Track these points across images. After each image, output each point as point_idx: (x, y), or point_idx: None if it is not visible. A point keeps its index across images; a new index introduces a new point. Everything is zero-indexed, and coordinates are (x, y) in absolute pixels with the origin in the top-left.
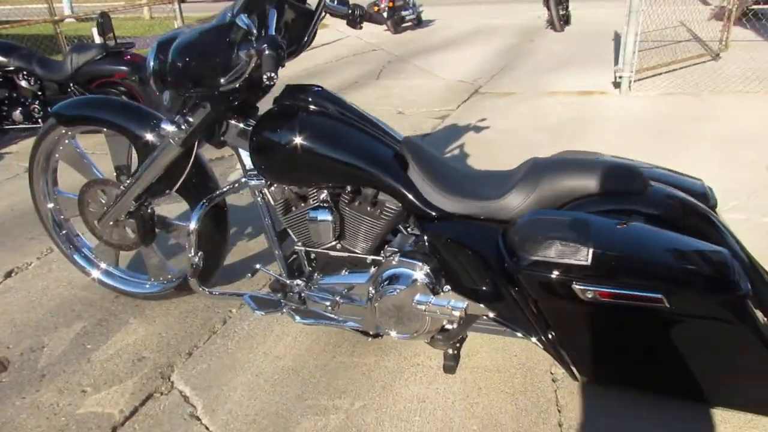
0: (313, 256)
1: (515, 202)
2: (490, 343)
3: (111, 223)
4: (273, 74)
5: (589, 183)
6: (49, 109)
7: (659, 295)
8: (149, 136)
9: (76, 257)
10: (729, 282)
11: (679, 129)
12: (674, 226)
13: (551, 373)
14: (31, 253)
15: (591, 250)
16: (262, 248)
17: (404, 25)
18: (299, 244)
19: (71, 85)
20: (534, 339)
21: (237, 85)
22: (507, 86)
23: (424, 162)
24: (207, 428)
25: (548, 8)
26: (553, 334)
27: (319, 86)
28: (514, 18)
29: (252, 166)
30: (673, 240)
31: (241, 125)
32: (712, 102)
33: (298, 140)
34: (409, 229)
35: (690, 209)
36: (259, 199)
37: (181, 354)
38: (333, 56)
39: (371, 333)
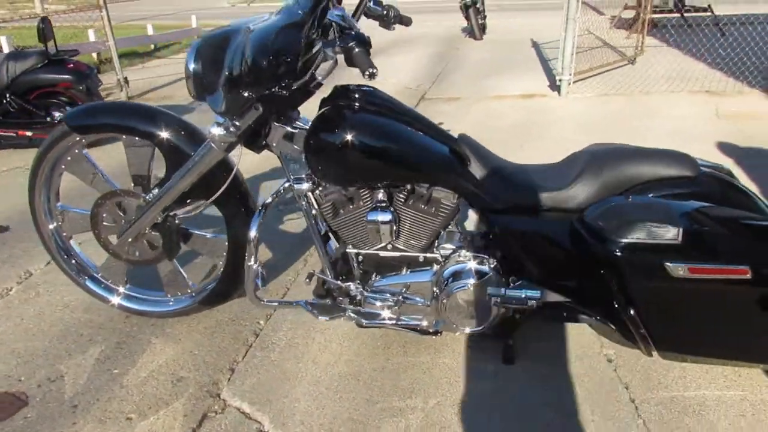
0: (361, 258)
1: (582, 190)
2: (536, 332)
3: (131, 238)
4: (375, 69)
5: (649, 170)
6: None
7: (746, 267)
8: (180, 142)
9: (90, 285)
10: None
11: (624, 126)
12: (729, 205)
13: (604, 355)
14: (7, 278)
15: (681, 230)
16: (269, 258)
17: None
18: (349, 246)
19: (7, 95)
20: (608, 320)
21: (299, 86)
22: (451, 92)
23: (484, 157)
24: None
25: (467, 18)
26: (634, 312)
27: (370, 86)
28: (430, 27)
29: (295, 170)
30: (746, 217)
31: (288, 128)
32: (644, 101)
33: (360, 140)
34: (457, 226)
35: (736, 189)
36: (304, 203)
37: (223, 370)
38: None
39: (431, 331)
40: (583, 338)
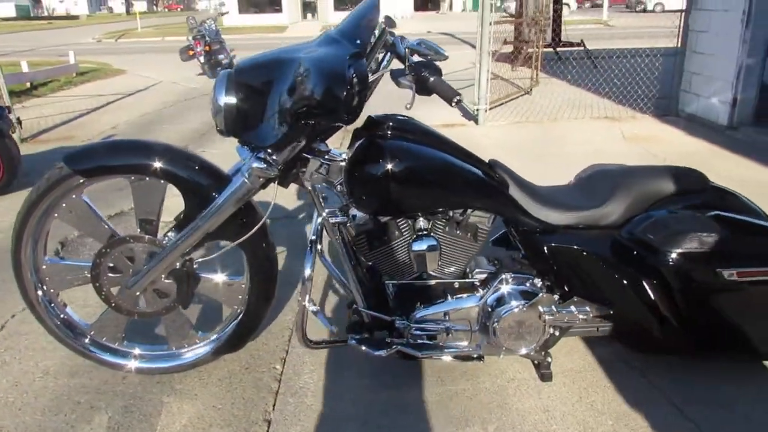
0: (396, 288)
1: (617, 208)
2: (559, 348)
3: (142, 288)
4: (460, 96)
5: (669, 185)
6: None
7: None
8: (201, 179)
9: (102, 355)
10: None
11: (549, 149)
12: (741, 213)
13: (626, 363)
14: None
15: (726, 237)
16: None
17: (219, 69)
18: (386, 277)
19: None
20: (651, 328)
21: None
22: None
23: (517, 180)
24: None
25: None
26: (684, 316)
27: (404, 115)
28: None
29: (330, 203)
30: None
31: (321, 160)
32: (555, 127)
33: (404, 168)
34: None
35: (738, 198)
36: (337, 236)
37: (258, 422)
38: (161, 102)
39: (475, 356)
40: (603, 348)
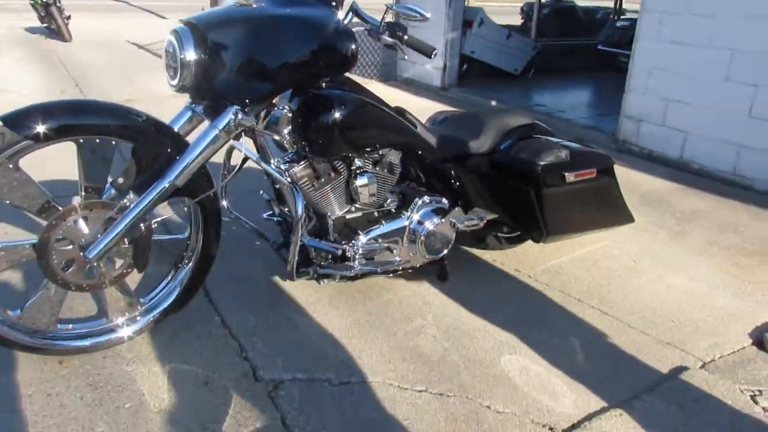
0: (332, 222)
1: (487, 139)
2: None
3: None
4: (436, 49)
5: (514, 120)
6: None
7: (593, 169)
8: (153, 135)
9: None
10: None
11: None
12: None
13: (493, 260)
14: None
15: (568, 152)
16: None
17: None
18: (329, 213)
19: None
20: (519, 223)
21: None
22: (113, 95)
23: (419, 122)
24: None
25: (52, 17)
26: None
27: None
28: None
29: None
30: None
31: (273, 112)
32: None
33: (347, 114)
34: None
35: (546, 128)
36: (287, 181)
37: (237, 362)
38: None
39: (407, 268)
40: (492, 253)
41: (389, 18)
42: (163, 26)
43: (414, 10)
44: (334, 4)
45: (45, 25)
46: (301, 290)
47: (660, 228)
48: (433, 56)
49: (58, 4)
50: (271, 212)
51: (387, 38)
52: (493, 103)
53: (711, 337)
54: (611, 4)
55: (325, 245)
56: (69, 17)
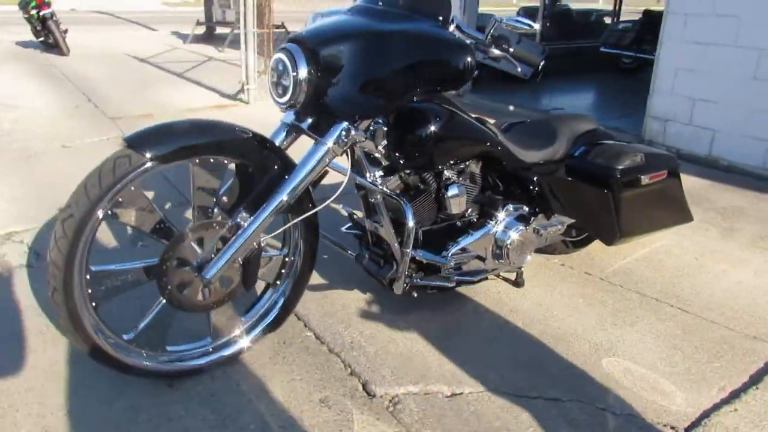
0: (421, 233)
1: (561, 146)
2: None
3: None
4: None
5: (580, 127)
6: None
7: (664, 171)
8: (267, 154)
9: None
10: None
11: None
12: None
13: (562, 264)
14: None
15: (642, 156)
16: None
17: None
18: (420, 225)
19: None
20: (594, 227)
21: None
22: (130, 109)
23: (501, 132)
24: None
25: (50, 31)
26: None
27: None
28: None
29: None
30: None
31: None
32: None
33: (441, 128)
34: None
35: (608, 133)
36: (379, 196)
37: (345, 377)
38: None
39: (494, 275)
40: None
41: (494, 31)
42: (154, 38)
43: (522, 21)
44: (441, 19)
45: (41, 39)
46: (383, 301)
47: (709, 224)
48: (541, 61)
49: (55, 18)
50: (350, 225)
51: (495, 51)
52: (511, 108)
53: None
54: (596, 7)
55: (431, 256)
56: (66, 31)
